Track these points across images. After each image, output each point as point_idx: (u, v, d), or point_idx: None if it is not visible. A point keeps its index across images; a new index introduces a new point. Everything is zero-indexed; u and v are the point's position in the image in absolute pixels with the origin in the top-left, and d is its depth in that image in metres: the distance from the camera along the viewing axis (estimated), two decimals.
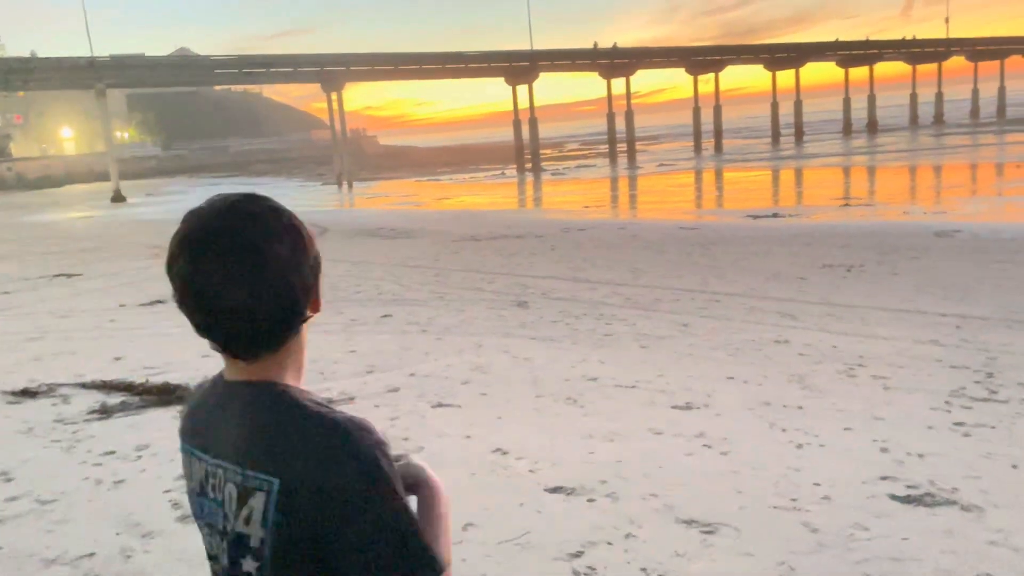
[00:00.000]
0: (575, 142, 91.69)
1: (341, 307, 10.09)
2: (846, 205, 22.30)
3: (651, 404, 6.06)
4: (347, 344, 8.15)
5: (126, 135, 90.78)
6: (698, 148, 58.39)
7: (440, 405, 6.08)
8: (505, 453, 5.08)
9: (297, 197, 39.10)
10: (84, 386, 6.87)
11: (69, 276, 14.29)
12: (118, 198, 42.37)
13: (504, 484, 4.63)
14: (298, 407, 1.13)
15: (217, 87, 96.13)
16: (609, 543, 3.91)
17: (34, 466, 5.12)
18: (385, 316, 9.59)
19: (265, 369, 1.16)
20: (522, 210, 29.83)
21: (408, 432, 5.47)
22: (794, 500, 4.31)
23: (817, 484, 4.49)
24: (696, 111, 60.44)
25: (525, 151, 53.62)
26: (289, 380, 1.19)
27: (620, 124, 57.67)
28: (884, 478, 4.53)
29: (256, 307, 1.08)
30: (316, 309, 1.20)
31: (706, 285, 10.84)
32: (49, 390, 6.79)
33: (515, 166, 53.07)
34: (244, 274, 1.07)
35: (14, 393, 6.71)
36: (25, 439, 5.64)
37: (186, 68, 53.94)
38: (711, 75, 60.71)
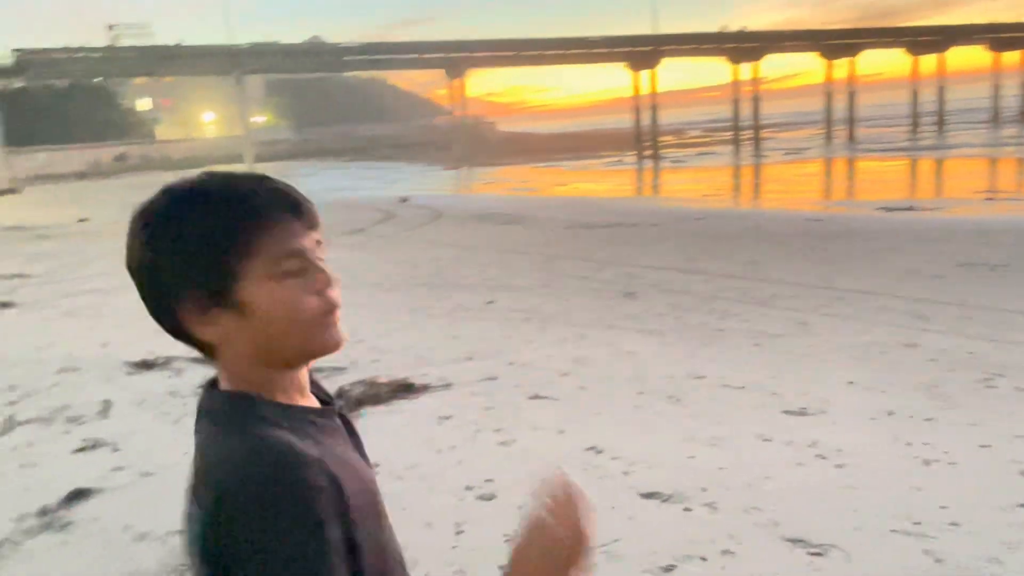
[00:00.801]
0: (696, 129, 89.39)
1: (448, 292, 10.09)
2: (991, 199, 20.62)
3: (761, 407, 5.68)
4: (450, 329, 8.10)
5: (262, 119, 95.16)
6: (829, 136, 55.68)
7: (536, 397, 5.91)
8: (599, 452, 4.86)
9: (416, 181, 39.86)
10: (198, 361, 7.09)
11: None
12: None
13: (595, 485, 4.41)
14: (221, 425, 0.99)
15: (346, 74, 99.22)
16: (704, 558, 3.64)
17: (142, 438, 5.29)
18: (489, 303, 9.50)
19: (220, 368, 1.05)
20: (638, 198, 29.25)
21: (501, 423, 5.33)
22: (917, 524, 3.89)
23: (944, 507, 4.04)
24: (828, 97, 57.60)
25: (644, 138, 52.65)
26: (245, 385, 1.03)
27: (746, 111, 55.69)
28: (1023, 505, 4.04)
29: (137, 275, 1.02)
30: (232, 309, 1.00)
31: (830, 281, 10.19)
32: (165, 363, 7.05)
33: (633, 153, 52.22)
34: (138, 241, 1.01)
35: (134, 364, 7.01)
36: (138, 411, 5.85)
37: (317, 55, 55.94)
38: (846, 60, 57.68)
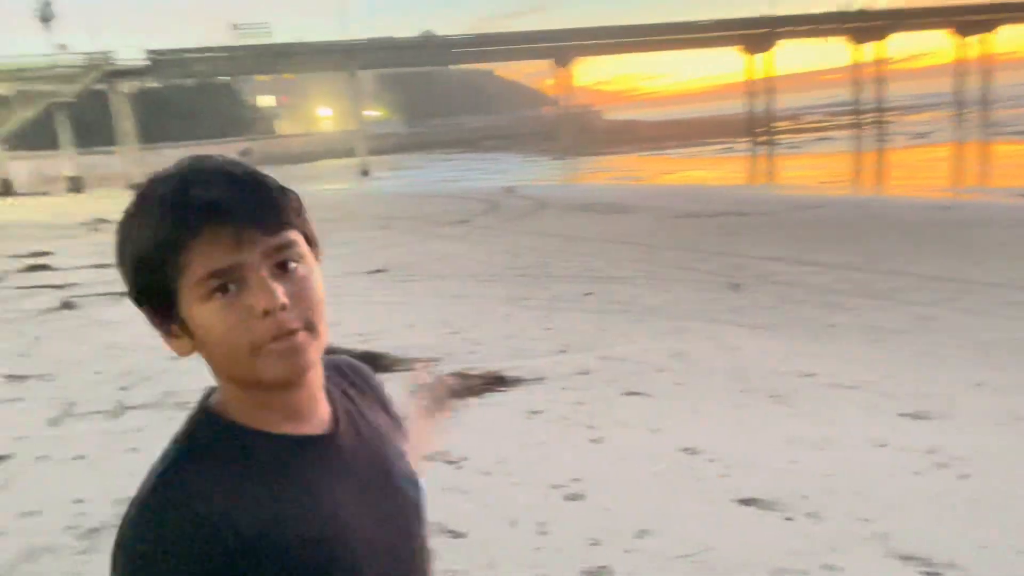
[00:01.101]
0: (814, 113, 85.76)
1: (546, 283, 9.97)
2: None
3: (874, 409, 5.29)
4: (545, 321, 7.97)
5: (375, 114, 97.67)
6: (961, 119, 52.24)
7: (630, 393, 5.70)
8: (695, 453, 4.61)
9: (521, 171, 39.92)
10: None
11: None
12: (364, 172, 45.61)
13: (689, 488, 4.19)
14: (169, 447, 0.93)
15: (455, 66, 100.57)
16: (804, 572, 3.37)
17: None
18: (587, 294, 9.31)
19: None
20: (749, 186, 28.26)
21: (592, 419, 5.16)
22: None
23: None
24: (960, 78, 54.02)
25: (758, 124, 50.90)
26: (225, 402, 0.95)
27: (869, 94, 52.94)
28: None
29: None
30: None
31: (958, 272, 9.47)
32: None
33: (746, 140, 50.57)
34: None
35: None
36: None
37: (427, 49, 56.75)
38: (981, 37, 53.90)
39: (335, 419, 1.00)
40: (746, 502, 4.01)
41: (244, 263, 0.86)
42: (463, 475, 4.39)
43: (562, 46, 50.37)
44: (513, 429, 5.03)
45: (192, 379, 6.46)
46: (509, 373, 6.10)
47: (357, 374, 1.12)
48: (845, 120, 59.65)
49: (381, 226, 18.03)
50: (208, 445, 0.91)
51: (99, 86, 45.53)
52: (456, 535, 3.71)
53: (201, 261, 0.85)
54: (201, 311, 0.87)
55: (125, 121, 45.17)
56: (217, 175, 0.89)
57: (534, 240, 14.29)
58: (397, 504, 1.02)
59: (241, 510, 0.87)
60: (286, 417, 0.94)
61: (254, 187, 0.89)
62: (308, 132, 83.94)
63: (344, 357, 1.14)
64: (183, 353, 0.92)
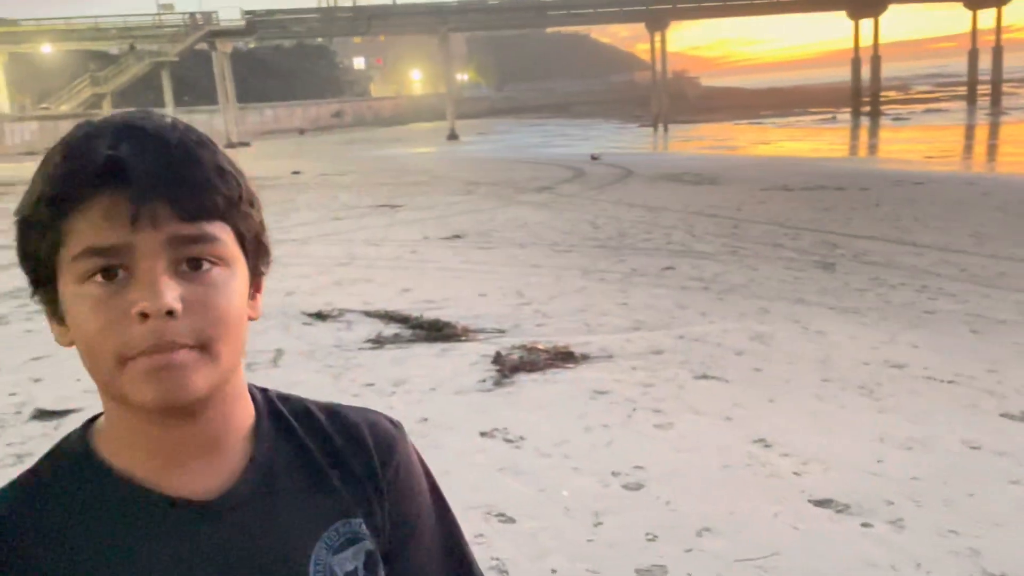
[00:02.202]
0: (925, 83, 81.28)
1: (624, 255, 9.66)
2: None
3: (972, 407, 4.86)
4: (620, 295, 7.70)
5: (465, 77, 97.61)
6: None
7: (704, 376, 5.41)
8: (768, 446, 4.32)
9: (610, 138, 39.21)
10: (368, 314, 7.21)
11: (392, 207, 15.44)
12: (453, 136, 45.61)
13: (760, 485, 3.92)
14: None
15: (548, 29, 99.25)
16: None
17: (304, 389, 5.33)
18: (667, 268, 8.96)
19: None
20: (849, 159, 26.96)
21: (661, 404, 4.91)
22: None
23: None
24: None
25: (863, 93, 48.47)
26: (103, 428, 0.79)
27: (985, 63, 49.61)
28: None
29: None
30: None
31: None
32: (339, 315, 7.22)
33: (849, 110, 48.26)
34: None
35: (310, 315, 7.23)
36: (305, 361, 5.99)
37: (519, 11, 56.07)
38: None
39: (241, 478, 0.78)
40: (821, 503, 3.72)
41: (135, 246, 0.68)
42: (520, 455, 4.23)
43: (658, 9, 48.95)
44: (576, 410, 4.83)
45: (265, 339, 6.52)
46: (577, 349, 5.88)
47: (350, 436, 0.85)
48: (956, 91, 56.23)
49: (464, 191, 17.94)
50: (42, 482, 0.75)
51: (200, 46, 46.85)
52: (506, 519, 3.57)
53: (84, 232, 0.68)
54: (73, 296, 0.70)
55: (226, 81, 46.39)
56: (143, 133, 0.71)
57: (617, 210, 13.92)
58: None
59: (33, 568, 0.71)
60: (167, 459, 0.75)
61: (182, 157, 0.70)
62: (399, 95, 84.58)
63: (372, 415, 0.89)
64: (64, 343, 0.74)
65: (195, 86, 51.67)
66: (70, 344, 0.73)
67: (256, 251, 0.78)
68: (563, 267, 9.20)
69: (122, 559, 0.73)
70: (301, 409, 0.85)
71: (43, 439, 4.43)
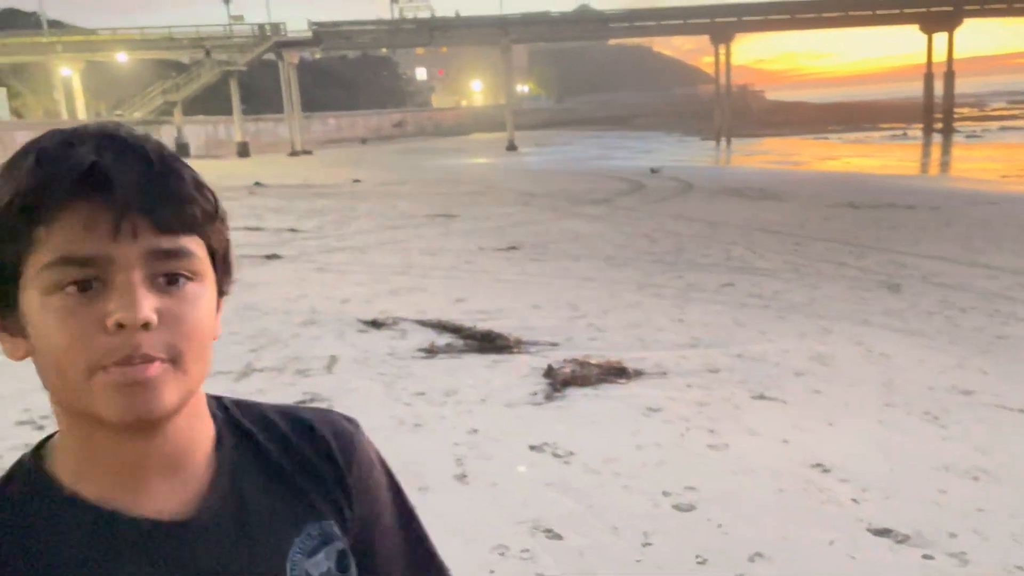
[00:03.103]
0: (1001, 100, 78.78)
1: (681, 270, 9.53)
2: None
3: None
4: (677, 311, 7.59)
5: (525, 89, 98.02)
6: None
7: (762, 397, 5.28)
8: (826, 471, 4.19)
9: (671, 151, 38.87)
10: (422, 323, 7.24)
11: (448, 217, 15.55)
12: (511, 147, 45.81)
13: (816, 511, 3.79)
14: None
15: (610, 42, 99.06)
16: None
17: (356, 396, 5.42)
18: (726, 285, 8.80)
19: None
20: (920, 176, 26.19)
21: (716, 423, 4.81)
22: None
23: None
24: None
25: (935, 109, 47.10)
26: (58, 442, 0.77)
27: None
28: None
29: None
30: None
31: None
32: (393, 323, 7.27)
33: (920, 126, 46.94)
34: None
35: (365, 323, 7.30)
36: (359, 368, 6.04)
37: (582, 23, 56.15)
38: None
39: (206, 494, 0.77)
40: (880, 533, 3.58)
41: (114, 258, 0.67)
42: (569, 471, 4.18)
43: (723, 22, 48.44)
44: (628, 426, 4.76)
45: (320, 345, 6.61)
46: (630, 365, 5.80)
47: (311, 438, 0.85)
48: None
49: (520, 202, 17.97)
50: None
51: (267, 56, 48.03)
52: (553, 536, 3.52)
53: (59, 240, 0.67)
54: (41, 306, 0.68)
55: (291, 90, 47.46)
56: (123, 144, 0.70)
57: (675, 224, 13.76)
58: None
59: None
60: (127, 478, 0.73)
61: (162, 170, 0.70)
62: (458, 106, 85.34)
63: (330, 414, 0.89)
64: (14, 357, 0.72)
65: (261, 95, 52.94)
66: (23, 357, 0.72)
67: (224, 268, 0.77)
68: (618, 281, 9.12)
69: None
70: (258, 416, 0.84)
71: None
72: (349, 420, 0.90)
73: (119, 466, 0.73)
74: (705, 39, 51.24)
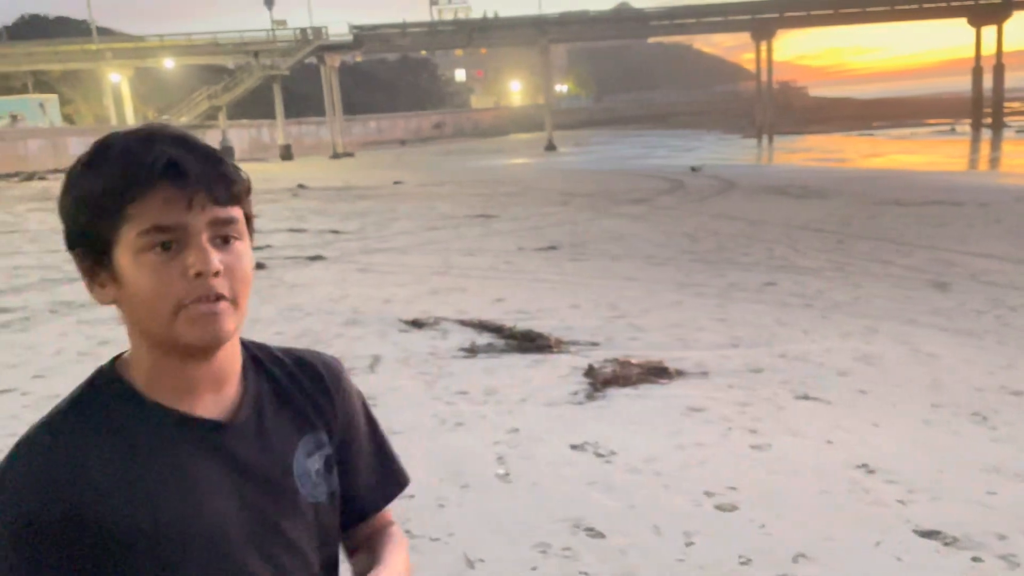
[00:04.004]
0: None
1: (723, 270, 9.45)
2: None
3: None
4: (718, 311, 7.54)
5: (564, 88, 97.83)
6: None
7: (805, 397, 5.23)
8: (871, 471, 4.14)
9: (712, 150, 38.50)
10: (463, 323, 7.29)
11: (487, 217, 15.61)
12: (550, 147, 45.79)
13: (861, 512, 3.75)
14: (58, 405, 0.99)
15: (650, 40, 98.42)
16: None
17: (397, 395, 5.49)
18: (768, 284, 8.71)
19: None
20: (969, 173, 25.63)
21: (758, 423, 4.77)
22: None
23: None
24: None
25: (984, 104, 45.97)
26: (131, 364, 1.00)
27: None
28: None
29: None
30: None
31: None
32: (434, 323, 7.34)
33: (969, 121, 45.84)
34: None
35: (407, 322, 7.37)
36: (400, 367, 6.11)
37: (621, 22, 55.93)
38: None
39: (240, 405, 1.02)
40: (928, 535, 3.53)
41: (189, 225, 0.91)
42: (610, 471, 4.19)
43: (764, 18, 47.82)
44: (669, 426, 4.75)
45: (363, 345, 6.70)
46: (671, 364, 5.78)
47: (309, 372, 1.11)
48: None
49: (560, 202, 17.96)
50: (87, 407, 0.95)
51: (309, 59, 48.63)
52: (595, 534, 3.54)
53: (151, 214, 0.90)
54: (136, 262, 0.91)
55: (333, 93, 48.01)
56: (180, 139, 0.94)
57: (716, 223, 13.65)
58: (286, 503, 1.03)
59: (91, 478, 0.90)
60: (187, 390, 0.98)
61: (213, 159, 0.94)
62: (497, 107, 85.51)
63: (322, 355, 1.15)
64: (103, 301, 0.96)
65: (303, 98, 53.63)
66: (111, 302, 0.95)
67: (252, 230, 1.01)
68: (658, 280, 9.09)
69: (176, 466, 0.95)
70: (271, 354, 1.10)
71: None
72: (336, 360, 1.16)
73: (183, 380, 0.97)
74: (746, 36, 50.67)
